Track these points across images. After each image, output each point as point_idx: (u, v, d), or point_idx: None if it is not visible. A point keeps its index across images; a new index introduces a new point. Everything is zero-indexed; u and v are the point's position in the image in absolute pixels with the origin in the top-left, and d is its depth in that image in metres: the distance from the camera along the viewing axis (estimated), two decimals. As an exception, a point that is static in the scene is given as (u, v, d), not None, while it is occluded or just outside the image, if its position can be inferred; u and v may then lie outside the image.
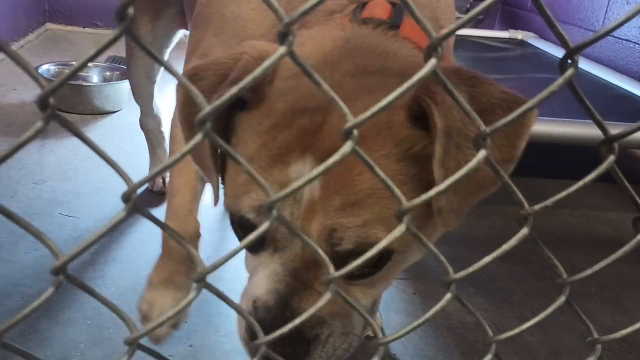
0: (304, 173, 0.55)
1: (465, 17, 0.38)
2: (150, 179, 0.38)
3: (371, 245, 0.41)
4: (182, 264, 0.90)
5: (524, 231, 0.40)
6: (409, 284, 1.25)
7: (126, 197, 0.36)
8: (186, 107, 0.60)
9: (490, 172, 0.40)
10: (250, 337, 0.61)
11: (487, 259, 0.40)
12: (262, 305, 0.59)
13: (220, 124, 0.60)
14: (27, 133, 0.33)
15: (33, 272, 1.15)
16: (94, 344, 0.98)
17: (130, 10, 0.31)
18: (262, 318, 0.58)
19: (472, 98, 0.52)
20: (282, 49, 0.33)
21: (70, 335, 1.00)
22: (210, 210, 1.32)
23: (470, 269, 0.40)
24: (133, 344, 0.42)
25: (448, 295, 0.41)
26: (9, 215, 0.34)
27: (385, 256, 0.59)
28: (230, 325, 1.06)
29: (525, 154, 0.50)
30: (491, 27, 3.41)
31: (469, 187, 0.52)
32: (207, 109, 0.34)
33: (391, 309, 1.16)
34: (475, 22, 3.28)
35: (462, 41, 2.79)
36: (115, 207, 1.40)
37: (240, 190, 0.59)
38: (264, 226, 0.38)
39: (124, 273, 1.18)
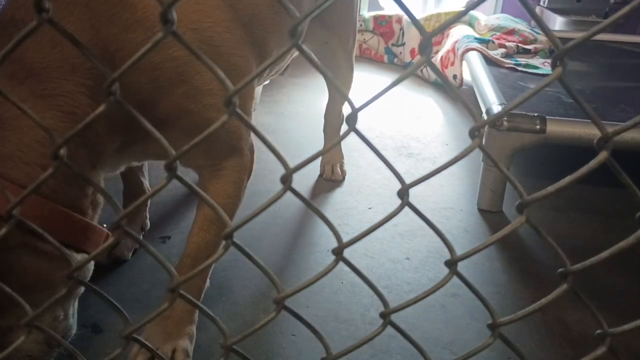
0: None
1: (604, 22, 0.40)
2: (303, 165, 0.46)
3: None
4: None
5: (643, 231, 0.42)
6: (528, 292, 1.24)
7: (284, 179, 0.44)
8: None
9: None
10: None
11: (604, 254, 0.42)
12: None
13: None
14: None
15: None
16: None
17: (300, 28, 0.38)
18: None
19: None
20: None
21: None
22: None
23: (587, 262, 0.43)
24: (279, 303, 0.50)
25: (564, 286, 0.44)
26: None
27: None
28: (347, 314, 1.13)
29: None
30: (633, 32, 3.18)
31: None
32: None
33: (509, 315, 1.16)
34: (615, 27, 3.09)
35: (600, 46, 2.65)
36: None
37: None
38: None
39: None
